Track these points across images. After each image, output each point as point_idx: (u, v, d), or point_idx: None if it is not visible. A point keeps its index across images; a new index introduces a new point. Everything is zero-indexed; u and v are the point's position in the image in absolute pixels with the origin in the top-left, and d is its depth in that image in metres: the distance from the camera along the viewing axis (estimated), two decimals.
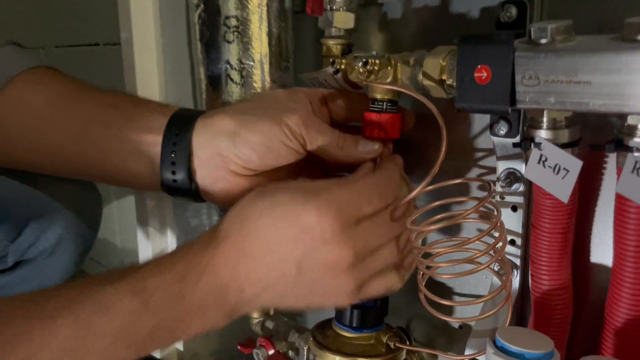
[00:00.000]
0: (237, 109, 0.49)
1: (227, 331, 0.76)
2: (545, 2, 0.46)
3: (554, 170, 0.41)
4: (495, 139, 0.48)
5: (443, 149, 0.43)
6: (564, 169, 0.40)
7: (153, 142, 0.48)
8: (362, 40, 0.58)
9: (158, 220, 0.67)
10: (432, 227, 0.44)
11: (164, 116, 0.48)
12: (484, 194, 0.52)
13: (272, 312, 0.67)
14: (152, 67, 0.62)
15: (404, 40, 0.56)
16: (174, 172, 0.48)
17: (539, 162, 0.42)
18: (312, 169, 0.57)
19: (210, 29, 0.55)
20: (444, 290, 0.57)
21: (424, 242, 0.49)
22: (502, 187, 0.48)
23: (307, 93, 0.53)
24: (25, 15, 1.29)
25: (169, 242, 0.68)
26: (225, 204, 0.49)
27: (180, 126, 0.48)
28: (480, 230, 0.53)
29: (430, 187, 0.45)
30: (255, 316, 0.66)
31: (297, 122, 0.46)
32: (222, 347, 0.74)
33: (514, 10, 0.44)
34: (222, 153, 0.47)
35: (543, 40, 0.38)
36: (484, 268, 0.43)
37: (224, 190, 0.48)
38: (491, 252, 0.44)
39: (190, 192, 0.48)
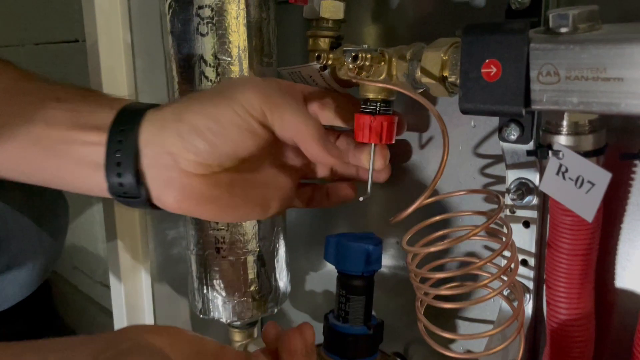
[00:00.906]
0: (190, 96, 0.43)
1: None
2: None
3: (576, 184, 0.34)
4: (504, 144, 0.41)
5: (445, 156, 0.37)
6: (589, 182, 0.34)
7: (99, 140, 0.41)
8: (352, 33, 0.52)
9: (128, 234, 0.60)
10: (430, 249, 0.37)
11: (112, 110, 0.42)
12: (491, 206, 0.46)
13: (255, 335, 0.61)
14: (119, 63, 0.55)
15: (400, 33, 0.50)
16: (119, 175, 0.41)
17: (557, 174, 0.35)
18: (303, 192, 0.51)
19: (181, 20, 0.49)
20: (446, 314, 0.51)
21: (422, 263, 0.42)
22: (512, 200, 0.42)
23: (282, 84, 0.46)
24: (3, 12, 1.24)
25: (143, 279, 0.62)
26: (180, 212, 0.42)
27: (126, 122, 0.41)
28: (487, 248, 0.46)
29: (429, 200, 0.39)
30: (237, 339, 0.60)
31: (253, 96, 0.40)
32: None
33: None
34: (169, 149, 0.40)
35: (564, 29, 0.32)
36: (494, 295, 0.37)
37: (178, 195, 0.41)
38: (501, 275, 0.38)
39: (140, 198, 0.42)
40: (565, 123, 0.35)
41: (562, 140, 0.35)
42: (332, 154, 0.42)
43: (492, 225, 0.42)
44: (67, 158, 0.42)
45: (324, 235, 0.61)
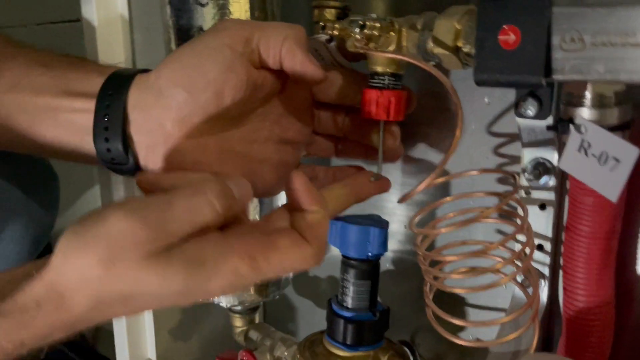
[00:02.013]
0: (177, 49, 0.41)
1: (206, 341, 0.69)
2: None
3: (600, 160, 0.32)
4: (520, 120, 0.39)
5: (458, 132, 0.35)
6: (614, 158, 0.31)
7: (87, 107, 0.39)
8: (360, 3, 0.50)
9: None
10: (441, 231, 0.35)
11: (102, 76, 0.40)
12: (506, 188, 0.44)
13: (257, 321, 0.59)
14: (116, 40, 0.53)
15: (411, 2, 0.47)
16: (107, 140, 0.39)
17: (579, 150, 0.33)
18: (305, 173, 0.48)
19: None
20: (456, 301, 0.49)
21: (431, 247, 0.40)
22: (528, 180, 0.40)
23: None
24: None
25: None
26: None
27: (115, 86, 0.39)
28: (500, 232, 0.44)
29: (439, 180, 0.37)
30: (238, 324, 0.58)
31: (232, 26, 0.38)
32: (200, 358, 0.66)
33: None
34: (152, 111, 0.38)
35: None
36: (508, 281, 0.35)
37: (164, 161, 0.39)
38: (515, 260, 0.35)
39: (128, 164, 0.40)
40: (588, 94, 0.33)
41: (584, 113, 0.33)
42: (316, 65, 0.39)
43: (507, 208, 0.40)
44: (55, 125, 0.40)
45: None
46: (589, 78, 0.30)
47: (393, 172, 0.52)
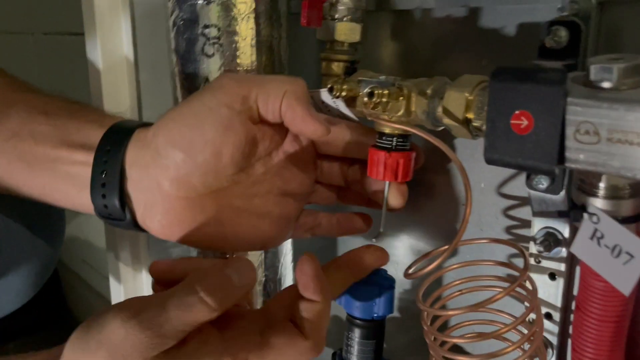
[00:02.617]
0: (176, 106, 0.40)
1: None
2: (602, 22, 0.36)
3: (613, 252, 0.31)
4: (532, 192, 0.38)
5: (467, 213, 0.34)
6: (627, 253, 0.30)
7: (85, 160, 0.39)
8: (370, 54, 0.48)
9: (130, 251, 0.58)
10: (449, 314, 0.34)
11: (101, 128, 0.40)
12: (514, 251, 0.43)
13: None
14: (122, 79, 0.52)
15: (420, 55, 0.46)
16: (104, 196, 0.39)
17: (591, 238, 0.32)
18: (306, 222, 0.47)
19: (186, 39, 0.46)
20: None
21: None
22: (538, 250, 0.39)
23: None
24: (14, 0, 1.22)
25: (144, 279, 0.60)
26: (165, 238, 0.40)
27: (113, 141, 0.39)
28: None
29: (455, 266, 0.36)
30: None
31: (228, 82, 0.38)
32: None
33: (564, 34, 0.34)
34: (150, 169, 0.38)
35: (606, 84, 0.29)
36: None
37: (162, 220, 0.39)
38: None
39: (125, 220, 0.40)
40: (602, 185, 0.32)
41: (598, 203, 0.32)
42: (318, 121, 0.38)
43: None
44: (53, 176, 0.40)
45: (333, 253, 0.59)
46: (603, 171, 0.29)
47: (400, 214, 0.51)
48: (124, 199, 0.39)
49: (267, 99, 0.38)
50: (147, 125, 0.41)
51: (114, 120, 0.41)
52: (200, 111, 0.38)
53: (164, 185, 0.38)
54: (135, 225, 0.41)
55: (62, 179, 0.40)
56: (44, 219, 0.59)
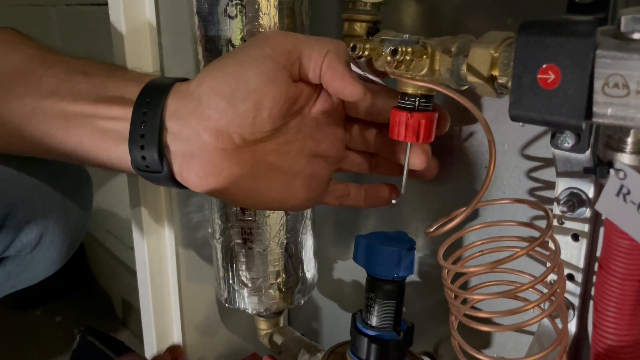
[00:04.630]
0: (221, 57, 0.42)
1: (231, 339, 0.70)
2: None
3: (639, 209, 0.31)
4: (556, 151, 0.38)
5: (490, 171, 0.34)
6: None
7: (124, 114, 0.40)
8: (392, 14, 0.48)
9: (152, 200, 0.59)
10: (470, 270, 0.34)
11: (140, 84, 0.40)
12: (537, 212, 0.43)
13: (281, 323, 0.59)
14: (145, 43, 0.53)
15: (444, 15, 0.46)
16: (142, 147, 0.39)
17: (617, 195, 0.32)
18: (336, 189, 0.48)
19: (209, 1, 0.46)
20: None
21: (457, 275, 0.40)
22: (562, 211, 0.38)
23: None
24: None
25: (167, 242, 0.61)
26: (201, 190, 0.40)
27: (153, 94, 0.40)
28: (529, 256, 0.43)
29: (477, 227, 0.36)
30: (263, 327, 0.59)
31: (277, 38, 0.39)
32: (225, 354, 0.67)
33: None
34: (190, 119, 0.39)
35: (637, 35, 0.28)
36: (538, 321, 0.34)
37: (199, 171, 0.39)
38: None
39: (162, 173, 0.40)
40: (630, 140, 0.31)
41: (625, 158, 0.31)
42: (357, 81, 0.39)
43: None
44: (91, 131, 0.41)
45: (353, 222, 0.59)
46: (632, 125, 0.29)
47: (420, 186, 0.51)
48: (162, 151, 0.40)
49: (310, 56, 0.39)
50: (185, 80, 0.41)
51: (151, 77, 0.42)
52: (245, 61, 0.39)
53: (203, 136, 0.39)
54: (172, 179, 0.41)
55: (99, 133, 0.41)
56: (72, 182, 0.60)
